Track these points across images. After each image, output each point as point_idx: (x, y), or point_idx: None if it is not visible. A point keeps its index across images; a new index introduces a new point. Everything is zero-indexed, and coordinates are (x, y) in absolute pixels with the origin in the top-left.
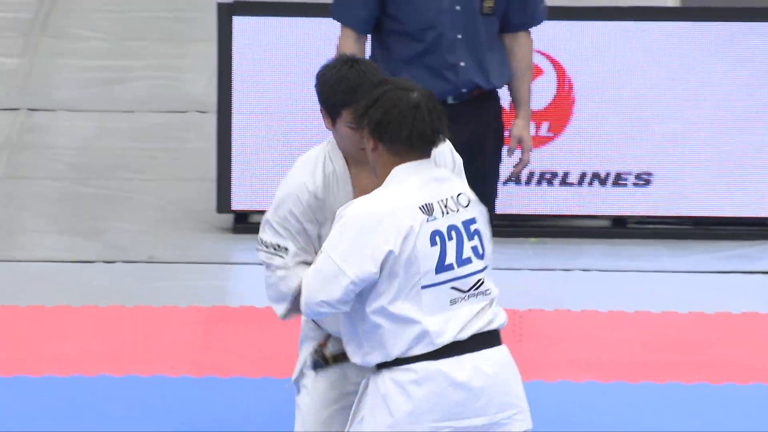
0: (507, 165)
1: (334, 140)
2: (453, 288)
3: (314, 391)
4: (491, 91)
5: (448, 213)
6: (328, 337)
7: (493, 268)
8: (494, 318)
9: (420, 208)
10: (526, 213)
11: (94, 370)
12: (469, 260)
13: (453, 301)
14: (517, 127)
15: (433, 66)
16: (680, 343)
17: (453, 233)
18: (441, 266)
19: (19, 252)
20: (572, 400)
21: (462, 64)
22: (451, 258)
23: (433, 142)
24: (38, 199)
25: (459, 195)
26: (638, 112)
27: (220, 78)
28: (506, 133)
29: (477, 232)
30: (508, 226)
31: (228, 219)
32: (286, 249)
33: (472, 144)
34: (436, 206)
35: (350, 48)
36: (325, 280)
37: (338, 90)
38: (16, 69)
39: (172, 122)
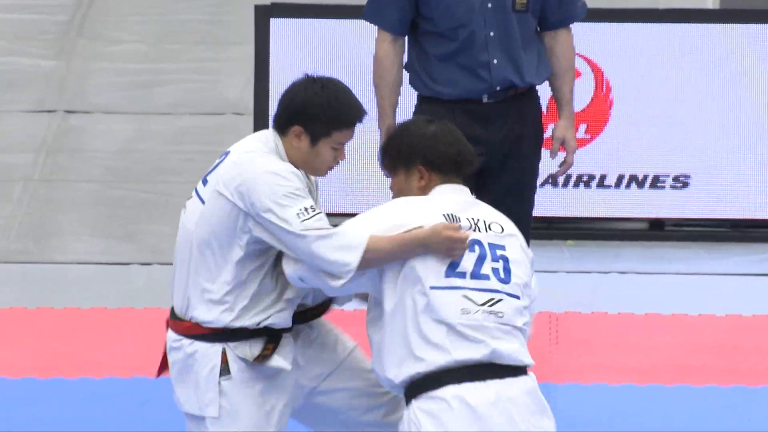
0: (547, 166)
1: (280, 155)
2: (465, 297)
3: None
4: (529, 90)
5: (475, 230)
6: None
7: None
8: (517, 351)
9: (444, 215)
10: (563, 215)
11: (130, 372)
12: (486, 277)
13: (465, 311)
14: (560, 129)
15: (467, 64)
16: (717, 346)
17: (476, 246)
18: (452, 270)
19: (56, 254)
20: (608, 403)
21: (495, 61)
22: (466, 267)
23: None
24: (75, 202)
25: (492, 223)
26: (676, 115)
27: (256, 80)
28: (547, 134)
29: (504, 258)
30: (545, 229)
31: None
32: (313, 207)
33: (508, 144)
34: (463, 219)
35: (386, 50)
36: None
37: (341, 110)
38: (53, 72)
39: (208, 125)
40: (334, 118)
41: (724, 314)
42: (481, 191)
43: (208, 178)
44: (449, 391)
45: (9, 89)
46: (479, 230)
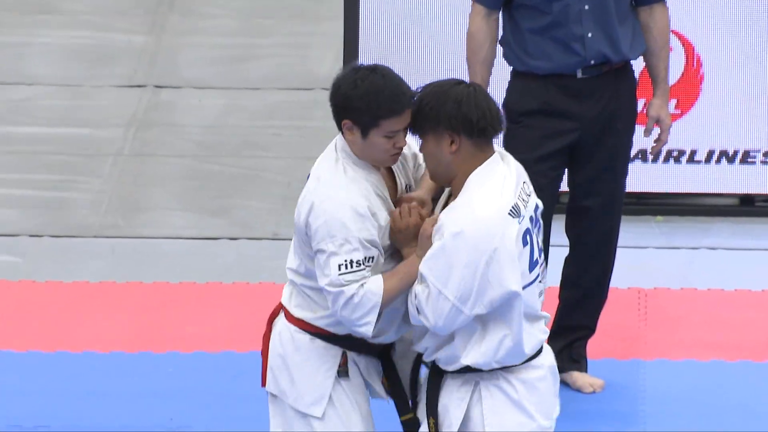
0: (637, 142)
1: (348, 153)
2: (540, 281)
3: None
4: (624, 66)
5: (526, 205)
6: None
7: (620, 246)
8: None
9: (509, 213)
10: (653, 191)
11: (219, 346)
12: (540, 248)
13: (540, 293)
14: (654, 107)
15: (561, 38)
16: None
17: (531, 223)
18: (532, 263)
19: (146, 229)
20: (698, 379)
21: (589, 35)
22: (536, 253)
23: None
24: (165, 177)
25: (524, 182)
26: (767, 90)
27: (346, 55)
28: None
29: (538, 220)
30: (634, 204)
31: None
32: (372, 258)
33: (603, 120)
34: (520, 204)
35: (480, 25)
36: (446, 317)
37: (382, 99)
38: (144, 46)
39: (298, 100)
40: (377, 107)
41: None
42: (574, 167)
43: None
44: (540, 361)
45: (100, 64)
46: (527, 198)
